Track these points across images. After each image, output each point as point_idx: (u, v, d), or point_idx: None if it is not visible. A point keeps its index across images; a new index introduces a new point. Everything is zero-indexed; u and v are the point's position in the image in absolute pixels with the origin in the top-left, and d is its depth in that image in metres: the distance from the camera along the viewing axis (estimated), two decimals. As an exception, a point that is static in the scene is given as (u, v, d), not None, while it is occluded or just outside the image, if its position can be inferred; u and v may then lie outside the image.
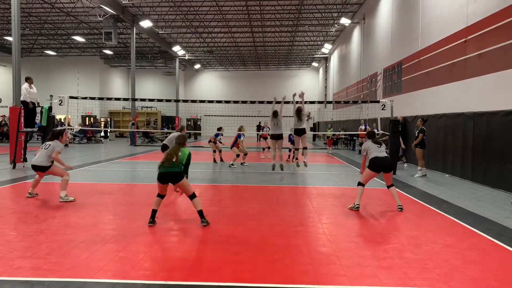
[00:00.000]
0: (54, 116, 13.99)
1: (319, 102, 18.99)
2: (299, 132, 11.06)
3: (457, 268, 4.43)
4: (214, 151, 15.37)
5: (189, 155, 6.33)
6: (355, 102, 19.93)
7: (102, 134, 34.13)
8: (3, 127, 26.81)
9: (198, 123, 41.84)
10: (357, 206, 7.35)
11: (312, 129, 38.21)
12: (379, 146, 7.56)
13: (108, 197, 8.50)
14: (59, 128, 8.49)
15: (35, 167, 7.95)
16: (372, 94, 21.98)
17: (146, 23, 26.93)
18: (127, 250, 4.87)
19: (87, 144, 26.46)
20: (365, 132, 19.12)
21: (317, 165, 15.72)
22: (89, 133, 28.26)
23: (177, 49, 35.86)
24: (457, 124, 11.81)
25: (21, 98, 13.14)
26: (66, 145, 23.43)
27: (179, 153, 6.17)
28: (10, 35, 21.49)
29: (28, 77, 13.25)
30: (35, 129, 13.98)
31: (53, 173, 8.10)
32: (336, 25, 28.91)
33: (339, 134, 25.67)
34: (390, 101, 13.16)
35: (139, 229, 5.80)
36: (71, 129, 21.54)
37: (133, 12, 26.92)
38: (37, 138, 23.51)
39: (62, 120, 28.87)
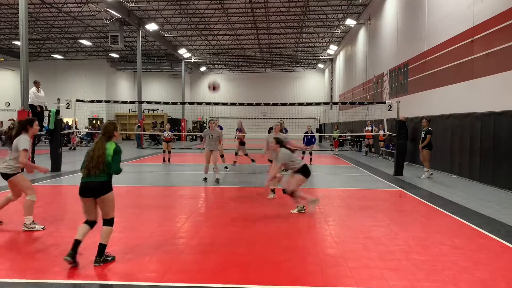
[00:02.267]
0: (61, 120, 14.09)
1: (325, 104, 18.99)
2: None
3: (466, 269, 4.40)
4: (164, 151, 16.12)
5: (116, 150, 4.62)
6: (361, 103, 19.93)
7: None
8: (12, 131, 27.03)
9: (204, 125, 41.99)
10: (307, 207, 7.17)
11: (318, 130, 38.17)
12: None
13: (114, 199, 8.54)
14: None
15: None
16: (378, 95, 21.90)
17: (152, 26, 27.07)
18: (134, 252, 4.89)
19: (94, 147, 26.57)
20: (371, 133, 19.23)
21: (323, 166, 15.67)
22: (95, 136, 28.43)
23: (183, 51, 36.00)
24: (464, 124, 11.72)
25: (29, 102, 13.26)
26: (74, 148, 23.62)
27: (105, 150, 4.54)
28: (18, 39, 21.72)
29: (36, 81, 13.38)
30: (43, 132, 14.10)
31: (15, 186, 6.04)
32: (341, 26, 28.84)
33: (345, 135, 25.60)
34: (397, 102, 13.10)
35: (146, 231, 5.82)
36: (78, 132, 21.72)
37: (139, 16, 27.08)
38: (45, 142, 23.71)
39: (70, 123, 29.12)
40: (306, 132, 15.91)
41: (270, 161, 9.76)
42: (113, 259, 4.55)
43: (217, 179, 10.70)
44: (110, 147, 4.58)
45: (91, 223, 4.57)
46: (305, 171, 7.14)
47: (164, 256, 4.83)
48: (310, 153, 15.84)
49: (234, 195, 9.23)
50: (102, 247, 4.46)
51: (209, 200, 8.62)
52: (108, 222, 4.58)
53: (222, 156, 13.43)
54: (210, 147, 10.83)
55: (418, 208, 7.70)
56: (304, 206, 7.23)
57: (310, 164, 15.33)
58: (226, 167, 13.52)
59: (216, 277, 4.12)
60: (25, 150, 5.86)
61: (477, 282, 4.05)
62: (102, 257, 4.45)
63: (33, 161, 13.48)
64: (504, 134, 9.66)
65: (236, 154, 14.32)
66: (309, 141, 15.71)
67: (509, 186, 9.46)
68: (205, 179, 10.84)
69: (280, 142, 7.35)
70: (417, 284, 3.97)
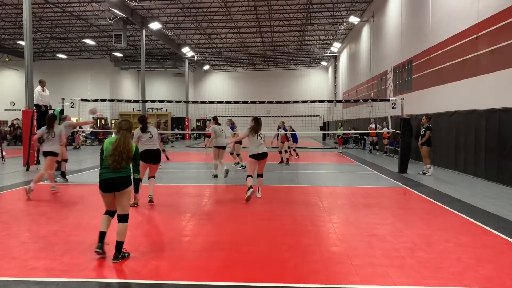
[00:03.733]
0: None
1: (329, 101, 18.96)
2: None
3: (471, 267, 4.38)
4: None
5: (137, 149, 4.88)
6: (365, 101, 19.88)
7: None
8: (17, 130, 27.23)
9: (208, 123, 42.02)
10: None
11: (322, 128, 38.09)
12: (150, 136, 7.56)
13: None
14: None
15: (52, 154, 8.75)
16: (382, 93, 21.82)
17: (155, 25, 27.11)
18: (139, 250, 4.90)
19: (99, 146, 26.70)
20: (376, 131, 19.19)
21: (327, 164, 15.65)
22: (100, 135, 28.54)
23: (186, 50, 36.03)
24: (469, 121, 11.66)
25: (34, 101, 13.31)
26: (78, 147, 23.73)
27: (132, 146, 4.74)
28: (22, 39, 21.80)
29: (41, 80, 13.43)
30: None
31: (51, 161, 8.84)
32: (345, 24, 28.74)
33: (349, 133, 25.54)
34: (401, 99, 13.05)
35: (151, 229, 5.84)
36: (83, 131, 21.82)
37: (142, 15, 27.12)
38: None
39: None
40: (292, 130, 16.95)
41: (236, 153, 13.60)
42: (129, 255, 4.65)
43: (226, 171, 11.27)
44: (133, 144, 4.78)
45: (112, 213, 4.73)
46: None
47: (169, 254, 4.85)
48: (294, 150, 17.35)
49: (238, 193, 9.24)
50: (119, 244, 4.54)
51: (213, 198, 8.63)
52: (124, 218, 4.65)
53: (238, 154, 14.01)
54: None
55: (422, 205, 7.67)
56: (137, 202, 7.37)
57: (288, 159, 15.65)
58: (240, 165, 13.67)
59: (221, 275, 4.13)
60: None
61: (482, 280, 4.03)
62: (121, 253, 4.54)
63: (38, 161, 13.56)
64: (510, 131, 9.59)
65: (231, 153, 14.31)
66: (294, 138, 16.93)
67: (514, 183, 9.41)
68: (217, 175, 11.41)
69: (141, 122, 7.76)
70: (422, 282, 3.96)
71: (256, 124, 8.20)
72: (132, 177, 4.76)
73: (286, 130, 15.39)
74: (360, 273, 4.18)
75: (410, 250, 4.91)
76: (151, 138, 7.55)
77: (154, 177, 7.82)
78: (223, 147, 11.41)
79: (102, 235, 4.59)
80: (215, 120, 11.67)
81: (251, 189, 7.84)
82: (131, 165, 4.75)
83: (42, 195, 9.01)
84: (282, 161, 14.98)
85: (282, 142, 15.09)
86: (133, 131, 5.08)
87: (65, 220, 6.43)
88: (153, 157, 7.57)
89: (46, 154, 8.72)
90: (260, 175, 8.31)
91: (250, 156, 8.07)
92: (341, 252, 4.87)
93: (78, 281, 3.97)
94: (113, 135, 4.82)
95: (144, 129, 7.56)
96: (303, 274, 4.15)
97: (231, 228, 5.98)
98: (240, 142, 12.99)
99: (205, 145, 17.78)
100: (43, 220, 6.41)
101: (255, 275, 4.14)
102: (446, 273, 4.19)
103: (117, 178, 4.55)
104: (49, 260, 4.52)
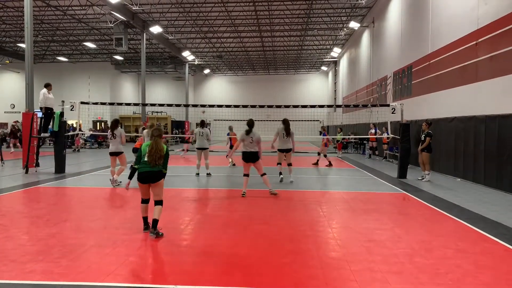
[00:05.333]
0: (65, 122, 14.14)
1: (329, 106, 18.99)
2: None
3: (470, 273, 4.37)
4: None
5: (167, 150, 5.88)
6: (364, 106, 19.90)
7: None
8: (17, 133, 27.23)
9: (208, 127, 42.02)
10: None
11: (321, 133, 38.07)
12: (251, 141, 8.68)
13: (118, 201, 8.57)
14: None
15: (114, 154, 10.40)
16: (382, 98, 21.86)
17: (156, 29, 27.20)
18: (137, 254, 4.90)
19: (98, 149, 26.70)
20: (375, 136, 19.21)
21: (326, 169, 15.64)
22: (99, 138, 28.53)
23: (186, 54, 36.11)
24: (468, 127, 11.67)
25: (39, 104, 13.25)
26: (78, 150, 23.73)
27: (163, 147, 5.82)
28: (23, 42, 21.87)
29: (48, 84, 13.41)
30: (47, 134, 14.16)
31: (119, 159, 10.48)
32: (345, 29, 28.85)
33: (348, 138, 25.55)
34: (400, 104, 13.07)
35: (149, 232, 5.82)
36: (82, 134, 21.83)
37: (143, 18, 27.21)
38: (49, 143, 23.79)
39: (74, 125, 29.22)
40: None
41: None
42: (162, 235, 5.60)
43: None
44: (164, 145, 5.80)
45: (147, 201, 5.80)
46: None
47: (167, 258, 4.84)
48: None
49: (237, 197, 9.23)
50: (155, 221, 5.61)
51: (212, 202, 8.63)
52: (160, 202, 5.75)
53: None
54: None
55: (422, 211, 7.67)
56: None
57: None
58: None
59: (218, 280, 4.11)
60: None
61: (481, 286, 4.02)
62: (156, 230, 5.57)
63: (37, 163, 13.55)
64: (509, 137, 9.60)
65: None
66: None
67: (513, 190, 9.40)
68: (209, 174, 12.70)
69: (248, 125, 9.06)
70: (420, 287, 3.95)
71: (283, 125, 10.65)
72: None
73: (324, 135, 16.85)
74: (359, 278, 4.17)
75: (409, 256, 4.90)
76: (251, 142, 8.77)
77: (264, 174, 9.03)
78: (204, 149, 12.62)
79: (145, 219, 5.80)
80: (201, 123, 12.99)
81: (281, 175, 10.89)
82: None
83: (40, 197, 9.01)
84: (329, 164, 16.02)
85: (325, 146, 16.79)
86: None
87: (63, 222, 6.42)
88: (250, 157, 8.88)
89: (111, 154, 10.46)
90: (289, 164, 11.06)
91: (278, 150, 10.91)
92: (339, 257, 4.86)
93: (76, 285, 3.96)
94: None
95: (247, 132, 8.81)
96: (302, 279, 4.14)
97: (229, 233, 5.96)
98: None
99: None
100: (41, 222, 6.39)
101: (254, 279, 4.13)
102: (445, 279, 4.18)
103: (152, 172, 5.65)
104: (47, 263, 4.51)
